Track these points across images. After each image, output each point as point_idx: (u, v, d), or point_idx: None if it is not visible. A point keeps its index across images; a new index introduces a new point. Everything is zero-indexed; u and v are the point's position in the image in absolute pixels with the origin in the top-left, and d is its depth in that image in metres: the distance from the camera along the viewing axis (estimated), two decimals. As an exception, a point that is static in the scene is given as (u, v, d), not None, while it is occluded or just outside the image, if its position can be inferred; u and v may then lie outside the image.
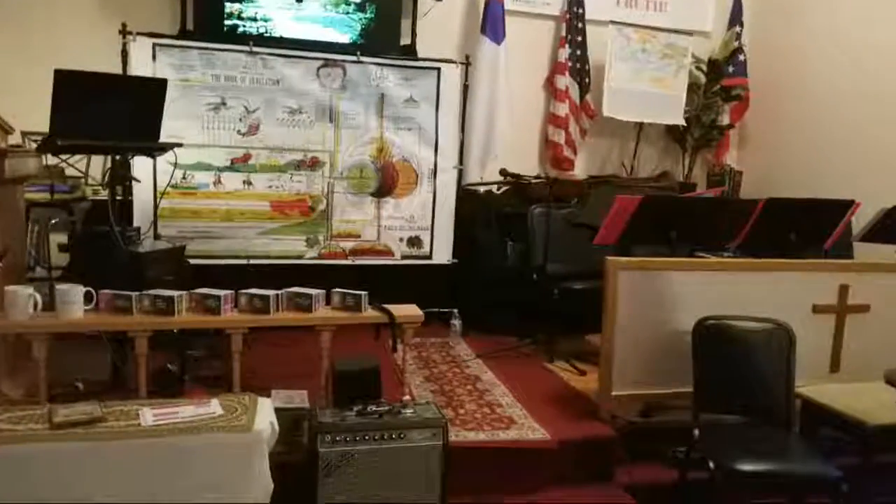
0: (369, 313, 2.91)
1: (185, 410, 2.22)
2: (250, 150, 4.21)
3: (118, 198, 3.62)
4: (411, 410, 2.61)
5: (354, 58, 4.29)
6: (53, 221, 4.29)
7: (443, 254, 4.60)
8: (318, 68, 4.25)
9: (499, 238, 4.54)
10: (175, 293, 2.69)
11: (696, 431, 2.70)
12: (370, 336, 3.05)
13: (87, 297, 2.63)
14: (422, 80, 4.41)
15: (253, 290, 2.81)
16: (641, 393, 3.16)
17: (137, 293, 2.67)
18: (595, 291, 3.29)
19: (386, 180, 4.46)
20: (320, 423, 2.48)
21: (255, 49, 4.14)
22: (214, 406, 2.26)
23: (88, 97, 2.79)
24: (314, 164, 4.32)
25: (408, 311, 3.01)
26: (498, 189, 4.95)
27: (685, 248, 3.51)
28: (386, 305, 2.95)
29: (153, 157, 3.48)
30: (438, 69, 4.43)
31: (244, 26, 4.56)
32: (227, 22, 4.55)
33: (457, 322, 4.25)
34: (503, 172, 4.51)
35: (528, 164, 5.27)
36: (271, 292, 2.81)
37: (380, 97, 4.37)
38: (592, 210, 3.74)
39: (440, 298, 4.61)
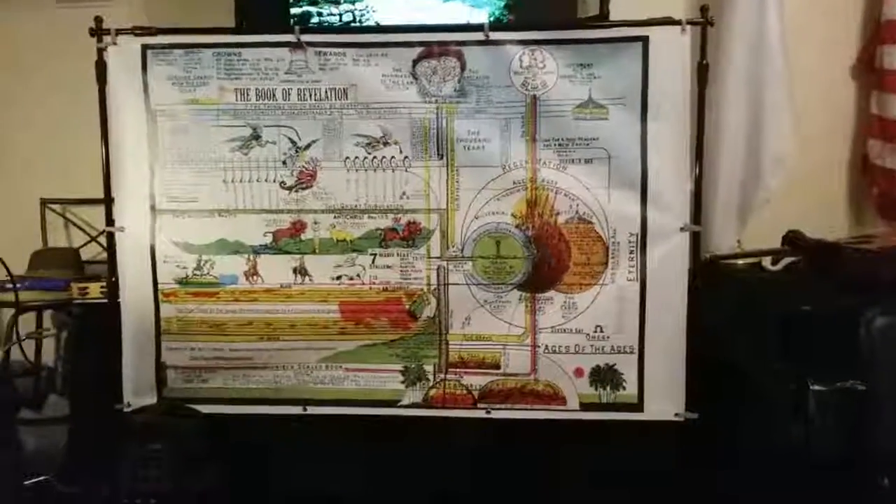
0: None
1: None
2: (303, 216, 2.37)
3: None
4: None
5: (480, 35, 2.29)
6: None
7: (664, 401, 2.31)
8: (415, 61, 2.32)
9: (782, 370, 2.19)
10: None
11: None
12: None
13: None
14: (610, 63, 2.25)
15: None
16: None
17: None
18: None
19: (545, 259, 2.35)
20: None
21: (305, 38, 2.32)
22: None
23: None
24: (413, 236, 2.36)
25: None
26: (775, 262, 2.60)
27: None
28: None
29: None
30: (644, 39, 2.23)
31: (321, 13, 2.83)
32: (294, 10, 2.86)
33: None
34: (793, 238, 2.17)
35: (822, 213, 2.92)
36: None
37: (529, 103, 2.29)
38: None
39: (659, 487, 2.37)
